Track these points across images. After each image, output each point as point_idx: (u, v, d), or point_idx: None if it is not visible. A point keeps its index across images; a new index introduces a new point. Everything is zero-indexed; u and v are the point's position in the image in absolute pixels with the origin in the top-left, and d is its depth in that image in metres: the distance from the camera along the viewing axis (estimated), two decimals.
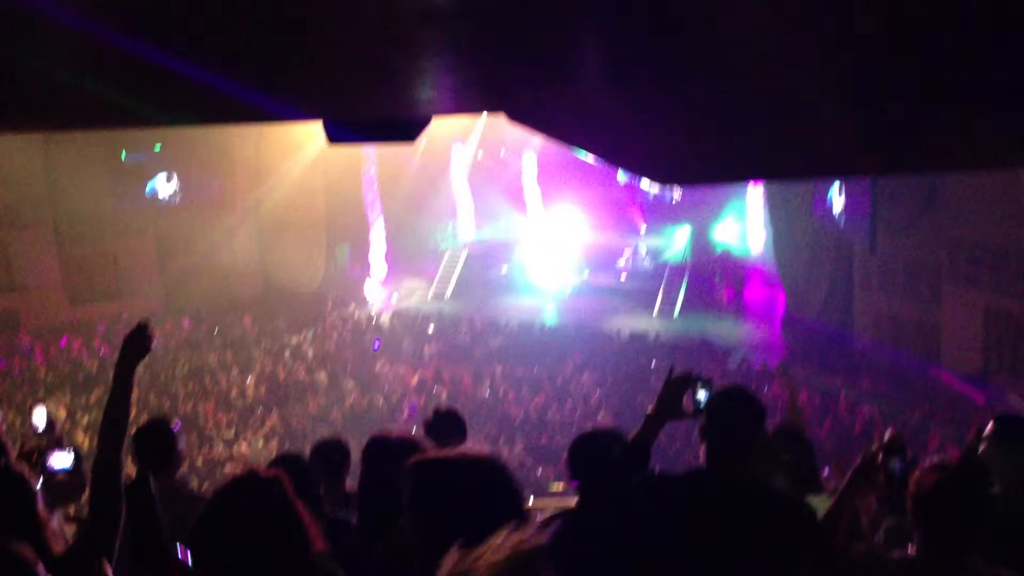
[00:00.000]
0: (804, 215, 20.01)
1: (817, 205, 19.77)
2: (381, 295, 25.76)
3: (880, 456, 2.78)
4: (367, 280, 26.27)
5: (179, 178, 24.44)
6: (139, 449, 3.99)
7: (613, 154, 2.47)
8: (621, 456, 3.12)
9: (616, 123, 2.37)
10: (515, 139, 25.81)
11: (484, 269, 26.76)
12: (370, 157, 25.61)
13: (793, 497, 3.08)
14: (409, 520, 1.90)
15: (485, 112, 2.89)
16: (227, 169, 24.64)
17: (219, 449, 15.32)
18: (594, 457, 3.15)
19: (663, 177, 2.91)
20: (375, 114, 2.89)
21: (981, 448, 3.35)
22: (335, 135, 3.00)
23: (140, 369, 3.14)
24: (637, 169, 2.62)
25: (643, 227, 25.59)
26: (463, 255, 26.67)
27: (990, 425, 3.40)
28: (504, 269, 26.54)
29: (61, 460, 3.53)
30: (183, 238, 23.22)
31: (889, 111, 3.48)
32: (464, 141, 26.53)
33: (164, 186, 24.41)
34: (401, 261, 26.35)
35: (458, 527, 1.54)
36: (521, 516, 1.77)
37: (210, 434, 15.91)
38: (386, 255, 26.70)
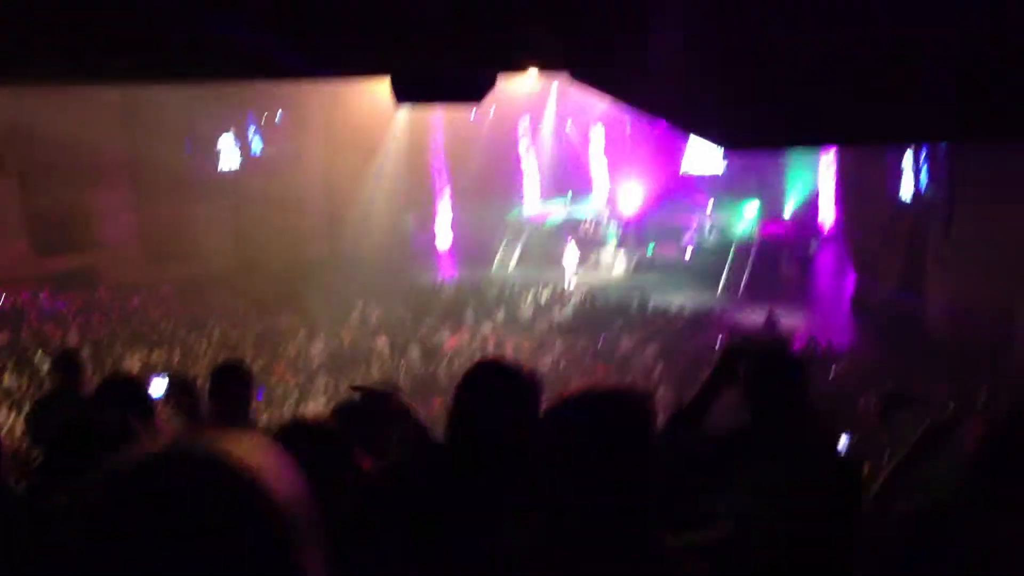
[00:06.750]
0: (879, 193, 19.43)
1: (892, 183, 19.17)
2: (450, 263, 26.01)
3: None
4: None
5: (250, 142, 24.99)
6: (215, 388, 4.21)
7: (679, 117, 2.46)
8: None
9: (685, 83, 2.35)
10: (582, 113, 25.68)
11: (549, 242, 26.75)
12: (437, 126, 25.72)
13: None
14: None
15: (546, 73, 2.91)
16: (300, 133, 25.05)
17: (285, 410, 15.67)
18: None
19: (733, 142, 2.89)
20: (443, 71, 2.92)
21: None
22: (403, 94, 3.03)
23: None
24: (703, 133, 2.60)
25: (710, 202, 25.15)
26: (527, 228, 26.67)
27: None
28: (570, 243, 26.51)
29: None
30: (256, 202, 23.69)
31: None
32: (532, 114, 26.50)
33: (231, 151, 25.07)
34: (466, 231, 26.46)
35: None
36: None
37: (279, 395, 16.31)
38: (452, 223, 26.87)
